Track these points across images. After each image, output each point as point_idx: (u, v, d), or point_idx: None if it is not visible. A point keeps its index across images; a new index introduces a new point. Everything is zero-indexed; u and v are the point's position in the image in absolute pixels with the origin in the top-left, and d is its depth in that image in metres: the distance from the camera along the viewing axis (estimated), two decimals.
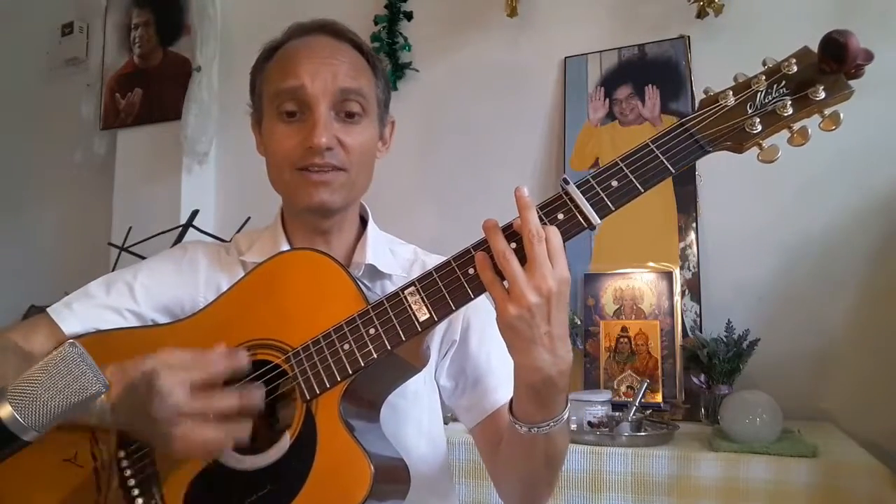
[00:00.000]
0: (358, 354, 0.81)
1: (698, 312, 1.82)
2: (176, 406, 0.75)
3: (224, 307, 0.91)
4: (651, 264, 1.88)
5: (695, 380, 1.71)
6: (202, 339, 0.89)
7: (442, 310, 0.79)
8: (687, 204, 1.88)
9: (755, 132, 0.75)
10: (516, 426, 0.84)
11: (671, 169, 0.76)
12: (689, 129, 0.77)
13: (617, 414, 1.59)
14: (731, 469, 1.33)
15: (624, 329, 1.83)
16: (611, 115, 2.02)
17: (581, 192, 0.77)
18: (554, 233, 0.75)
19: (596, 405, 1.61)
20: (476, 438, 1.04)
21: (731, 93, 0.77)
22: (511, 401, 0.85)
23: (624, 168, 0.77)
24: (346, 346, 0.81)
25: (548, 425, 0.82)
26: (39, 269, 2.79)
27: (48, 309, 0.97)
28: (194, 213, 2.11)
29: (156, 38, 2.57)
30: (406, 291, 0.81)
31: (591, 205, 0.76)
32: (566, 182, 0.78)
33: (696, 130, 0.77)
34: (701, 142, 0.76)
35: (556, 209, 0.77)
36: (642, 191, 0.76)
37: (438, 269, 0.80)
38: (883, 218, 1.73)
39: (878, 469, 1.28)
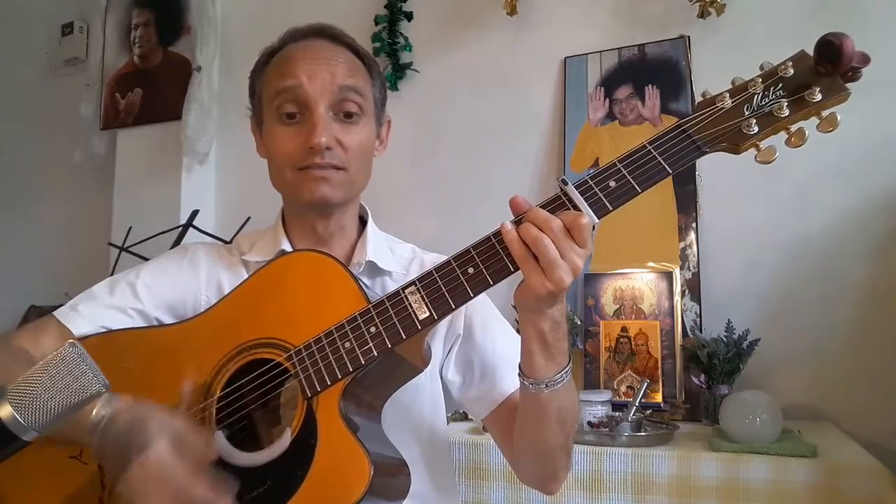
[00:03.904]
0: (359, 352, 0.82)
1: (698, 312, 1.82)
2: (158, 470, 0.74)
3: (228, 307, 0.93)
4: (651, 264, 1.88)
5: (695, 380, 1.71)
6: (208, 340, 0.91)
7: (442, 308, 0.81)
8: (687, 204, 1.88)
9: (752, 133, 0.76)
10: (529, 387, 0.86)
11: (668, 170, 0.77)
12: (687, 131, 0.78)
13: (617, 414, 1.59)
14: (731, 469, 1.33)
15: (624, 329, 1.83)
16: (611, 116, 2.02)
17: (579, 192, 0.78)
18: (580, 216, 0.76)
19: (596, 405, 1.61)
20: (490, 427, 1.06)
21: (727, 95, 0.78)
22: (520, 366, 0.87)
23: (622, 169, 0.78)
24: (348, 345, 0.82)
25: (558, 377, 0.84)
26: (39, 269, 2.78)
27: (54, 313, 0.99)
28: (194, 213, 2.12)
29: (156, 38, 2.57)
30: (406, 290, 0.82)
31: (589, 205, 0.77)
32: (564, 182, 0.79)
33: (693, 132, 0.78)
34: (698, 143, 0.77)
35: (554, 209, 0.78)
36: (640, 191, 0.77)
37: (439, 268, 0.82)
38: (883, 218, 1.73)
39: (878, 469, 1.28)
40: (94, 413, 0.78)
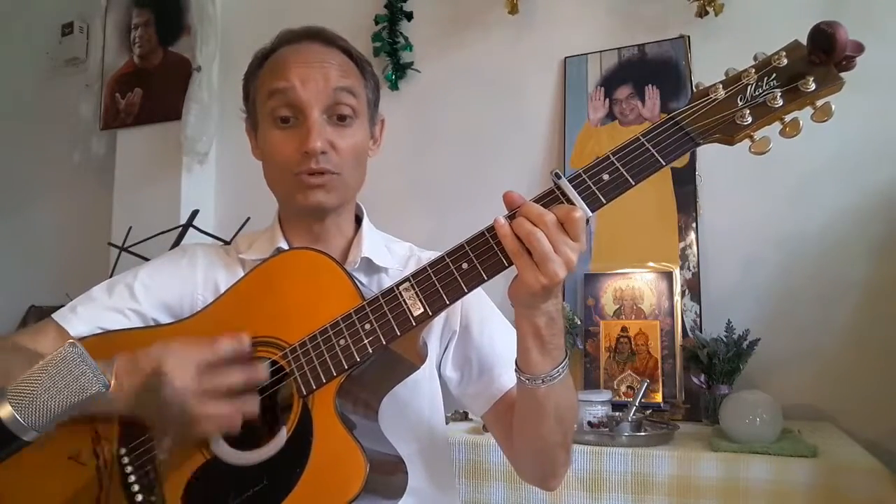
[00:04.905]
0: (353, 349, 0.82)
1: (698, 312, 1.82)
2: (184, 387, 0.78)
3: (224, 306, 0.93)
4: (651, 264, 1.87)
5: (695, 380, 1.71)
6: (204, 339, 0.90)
7: (436, 304, 0.81)
8: (687, 204, 1.88)
9: (745, 124, 0.76)
10: (525, 382, 0.86)
11: (662, 161, 0.77)
12: (679, 122, 0.78)
13: (617, 414, 1.59)
14: (731, 469, 1.33)
15: (624, 329, 1.83)
16: (611, 115, 2.02)
17: (572, 185, 0.78)
18: (573, 210, 0.76)
19: (596, 405, 1.61)
20: (489, 423, 1.06)
21: (721, 86, 0.78)
22: (516, 361, 0.87)
23: (615, 161, 0.77)
24: (342, 342, 0.82)
25: (555, 372, 0.84)
26: (39, 269, 2.79)
27: (53, 315, 0.99)
28: (194, 213, 2.12)
29: (156, 38, 2.57)
30: (401, 287, 0.82)
31: (582, 198, 0.77)
32: (558, 176, 0.79)
33: (686, 123, 0.77)
34: (691, 134, 0.77)
35: (548, 203, 0.78)
36: (633, 184, 0.77)
37: (432, 264, 0.82)
38: (883, 217, 1.73)
39: (878, 469, 1.28)
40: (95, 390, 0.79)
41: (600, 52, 2.06)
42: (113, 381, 0.77)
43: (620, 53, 2.04)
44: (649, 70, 1.99)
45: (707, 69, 1.89)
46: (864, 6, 1.78)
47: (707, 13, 1.88)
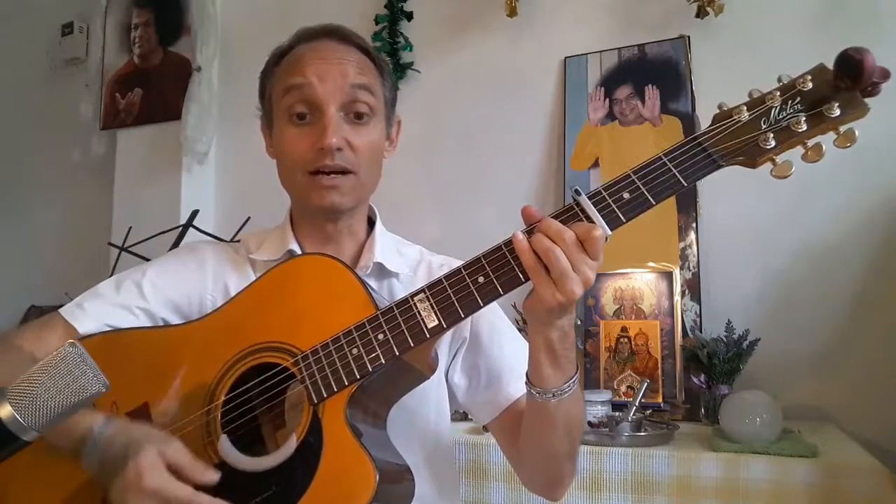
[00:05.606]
0: (366, 359, 0.81)
1: (698, 312, 1.82)
2: (147, 486, 0.74)
3: (235, 309, 0.92)
4: (651, 264, 1.88)
5: (695, 380, 1.71)
6: (214, 341, 0.91)
7: (451, 317, 0.80)
8: (687, 204, 1.88)
9: (769, 147, 0.75)
10: (536, 396, 0.85)
11: (683, 183, 0.76)
12: (703, 144, 0.77)
13: (617, 414, 1.60)
14: (731, 469, 1.33)
15: (624, 329, 1.83)
16: (611, 115, 2.02)
17: (592, 203, 0.77)
18: (593, 228, 0.76)
19: (596, 405, 1.61)
20: (494, 432, 1.06)
21: (745, 108, 0.77)
22: (527, 374, 0.87)
23: (636, 181, 0.77)
24: (355, 351, 0.82)
25: (566, 387, 0.84)
26: (39, 269, 2.79)
27: (60, 310, 0.98)
28: (194, 213, 2.12)
29: (156, 38, 2.57)
30: (416, 298, 0.82)
31: (602, 216, 0.76)
32: (578, 193, 0.78)
33: (709, 145, 0.76)
34: (714, 156, 0.76)
35: (567, 220, 0.77)
36: (654, 203, 0.76)
37: (448, 276, 0.81)
38: (883, 218, 1.74)
39: (878, 469, 1.28)
40: (93, 429, 0.79)
41: (600, 52, 2.06)
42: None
43: (620, 53, 2.04)
44: (649, 70, 1.99)
45: (707, 69, 1.89)
46: (862, 7, 1.78)
47: (707, 13, 1.88)
